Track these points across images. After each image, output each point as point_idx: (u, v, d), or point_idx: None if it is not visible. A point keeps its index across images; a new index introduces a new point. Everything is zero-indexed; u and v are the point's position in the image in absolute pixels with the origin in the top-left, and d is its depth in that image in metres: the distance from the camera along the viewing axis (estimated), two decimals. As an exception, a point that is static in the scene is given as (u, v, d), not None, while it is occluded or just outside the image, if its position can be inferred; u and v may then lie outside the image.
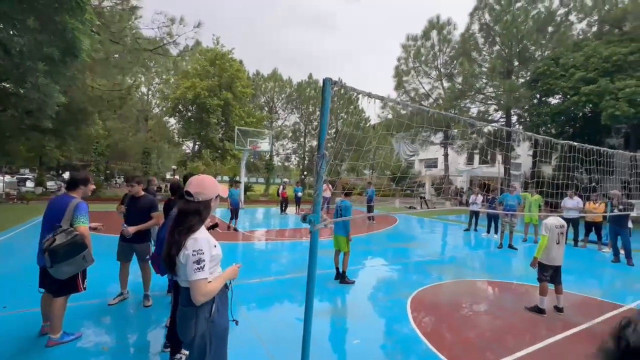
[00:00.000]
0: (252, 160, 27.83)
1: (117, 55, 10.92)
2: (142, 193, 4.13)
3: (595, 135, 17.77)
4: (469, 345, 3.48)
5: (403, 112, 25.29)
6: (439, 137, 25.63)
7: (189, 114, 24.77)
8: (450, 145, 25.23)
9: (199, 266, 1.53)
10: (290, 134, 39.60)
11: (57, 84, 7.17)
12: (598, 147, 4.05)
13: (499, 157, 21.73)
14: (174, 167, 28.31)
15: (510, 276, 6.33)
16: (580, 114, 16.63)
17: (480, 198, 11.01)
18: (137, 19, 10.77)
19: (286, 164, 47.71)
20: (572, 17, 19.16)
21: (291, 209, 17.21)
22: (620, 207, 7.18)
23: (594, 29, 18.49)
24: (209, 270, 1.60)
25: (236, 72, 23.91)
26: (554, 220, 4.36)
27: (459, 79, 22.23)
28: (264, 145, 21.30)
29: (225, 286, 1.81)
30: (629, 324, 0.59)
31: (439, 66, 23.50)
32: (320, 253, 6.64)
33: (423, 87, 24.54)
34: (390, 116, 25.04)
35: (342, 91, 38.83)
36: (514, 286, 5.66)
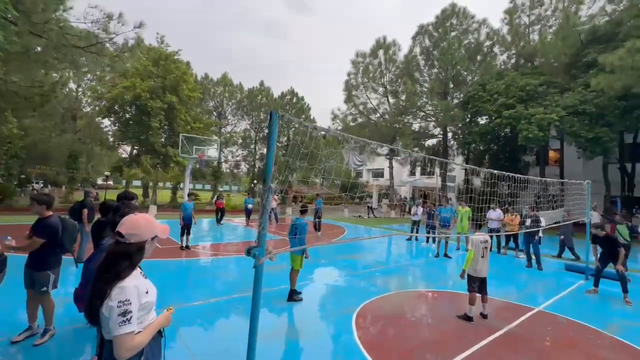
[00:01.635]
0: (198, 167, 26.49)
1: (39, 49, 9.65)
2: (48, 213, 3.62)
3: (514, 153, 20.42)
4: (408, 357, 3.71)
5: (352, 124, 26.36)
6: (385, 149, 27.13)
7: (127, 115, 22.74)
8: (395, 157, 26.83)
9: (124, 319, 1.40)
10: (240, 141, 38.53)
11: (-42, 79, 6.10)
12: (513, 174, 4.70)
13: (437, 170, 23.69)
14: (107, 173, 25.60)
15: (444, 285, 6.91)
16: (503, 134, 19.00)
17: (420, 209, 11.90)
18: (65, 11, 9.66)
19: (235, 171, 46.23)
20: (496, 49, 21.97)
21: (241, 220, 16.70)
22: (528, 220, 8.36)
23: (513, 61, 21.42)
24: (138, 321, 1.48)
25: (182, 74, 22.67)
26: (479, 236, 4.90)
27: (403, 97, 23.91)
28: (212, 152, 20.44)
29: (159, 333, 1.69)
30: None
31: (385, 83, 25.01)
32: (273, 268, 6.56)
33: (371, 102, 25.86)
34: (340, 128, 25.87)
35: (295, 99, 39.11)
36: (448, 294, 6.18)
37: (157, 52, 22.67)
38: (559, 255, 10.01)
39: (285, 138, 37.07)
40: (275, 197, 15.03)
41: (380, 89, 25.36)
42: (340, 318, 4.74)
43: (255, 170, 37.73)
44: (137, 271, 1.58)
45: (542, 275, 7.96)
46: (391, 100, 25.33)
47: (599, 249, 6.57)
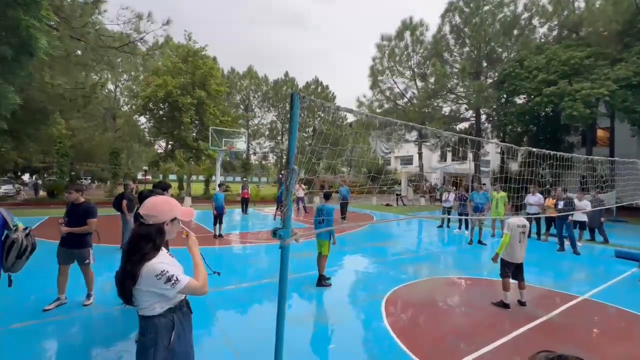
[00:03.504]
0: (228, 159, 27.29)
1: (79, 52, 10.30)
2: (82, 200, 4.26)
3: (556, 134, 18.94)
4: (440, 343, 3.63)
5: (379, 110, 25.74)
6: (413, 134, 26.29)
7: (161, 112, 23.85)
8: (424, 143, 25.95)
9: (172, 282, 1.52)
10: (267, 133, 39.17)
11: (12, 84, 6.67)
12: (555, 152, 4.34)
13: (470, 155, 22.62)
14: (145, 167, 27.18)
15: (479, 272, 6.64)
16: (543, 114, 17.63)
17: (452, 196, 11.46)
18: (100, 14, 10.20)
19: (263, 162, 47.23)
20: (535, 22, 20.23)
21: (271, 209, 17.11)
22: (561, 203, 7.83)
23: (555, 33, 19.61)
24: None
25: (210, 69, 23.24)
26: (516, 219, 4.62)
27: (432, 79, 22.87)
28: (240, 144, 20.95)
29: (189, 309, 1.78)
30: None
31: (412, 66, 24.05)
32: (302, 255, 6.67)
33: (397, 87, 25.04)
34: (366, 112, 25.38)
35: (319, 89, 38.85)
36: (482, 282, 5.94)
37: (185, 48, 23.38)
38: (592, 239, 9.71)
39: (311, 128, 37.12)
40: (303, 186, 15.23)
41: (407, 73, 24.45)
42: (369, 304, 4.73)
43: (283, 161, 38.26)
44: (163, 252, 1.65)
45: (588, 262, 7.42)
46: (419, 84, 24.36)
47: None
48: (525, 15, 20.32)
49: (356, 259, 7.58)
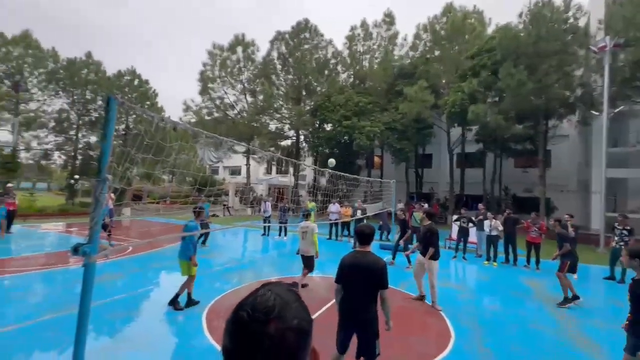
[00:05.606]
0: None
1: None
2: None
3: (351, 157, 24.55)
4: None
5: (208, 117, 24.96)
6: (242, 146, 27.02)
7: None
8: (252, 156, 27.21)
9: None
10: (52, 124, 29.60)
11: None
12: (347, 174, 5.86)
13: (291, 169, 25.62)
14: None
15: (296, 272, 7.70)
16: (343, 141, 22.51)
17: (269, 205, 12.66)
18: None
19: (43, 162, 35.15)
20: (339, 68, 25.70)
21: (52, 226, 13.00)
22: (358, 212, 10.50)
23: (351, 80, 25.62)
24: None
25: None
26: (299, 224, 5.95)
27: (261, 97, 24.54)
28: (2, 135, 14.92)
29: None
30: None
31: (243, 81, 24.95)
32: (107, 278, 5.52)
33: (228, 98, 25.23)
34: (194, 121, 24.01)
35: (137, 82, 33.27)
36: (295, 279, 6.95)
37: None
38: (383, 238, 12.71)
39: (124, 126, 31.16)
40: (112, 196, 12.21)
41: (239, 86, 25.13)
42: (189, 318, 4.58)
43: (77, 162, 29.93)
44: None
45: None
46: (249, 99, 25.50)
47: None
48: (333, 61, 25.48)
49: (177, 274, 7.04)
